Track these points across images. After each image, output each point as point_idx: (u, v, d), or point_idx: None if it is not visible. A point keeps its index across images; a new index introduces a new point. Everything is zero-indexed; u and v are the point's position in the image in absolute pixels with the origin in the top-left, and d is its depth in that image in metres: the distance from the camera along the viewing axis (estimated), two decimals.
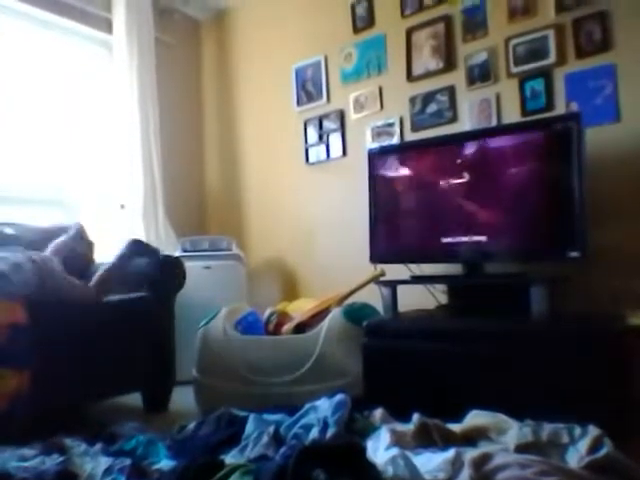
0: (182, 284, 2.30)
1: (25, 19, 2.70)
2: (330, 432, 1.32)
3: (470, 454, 1.09)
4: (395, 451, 1.14)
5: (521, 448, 1.16)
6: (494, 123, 2.35)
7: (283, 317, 2.24)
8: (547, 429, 1.19)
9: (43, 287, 1.84)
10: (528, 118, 2.24)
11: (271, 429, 1.38)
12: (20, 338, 1.65)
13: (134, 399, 2.22)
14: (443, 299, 2.27)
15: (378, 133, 2.71)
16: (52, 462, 1.24)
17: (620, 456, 1.08)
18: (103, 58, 3.04)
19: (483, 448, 1.17)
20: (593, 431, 1.15)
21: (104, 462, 1.25)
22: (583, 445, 1.13)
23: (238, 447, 1.36)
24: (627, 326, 1.66)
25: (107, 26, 2.96)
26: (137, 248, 2.25)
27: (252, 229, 3.28)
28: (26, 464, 1.23)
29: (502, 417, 1.30)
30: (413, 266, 2.26)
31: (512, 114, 2.30)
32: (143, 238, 2.90)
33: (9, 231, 2.32)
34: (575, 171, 1.83)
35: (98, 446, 1.40)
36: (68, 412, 1.65)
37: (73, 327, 1.85)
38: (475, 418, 1.34)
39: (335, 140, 2.88)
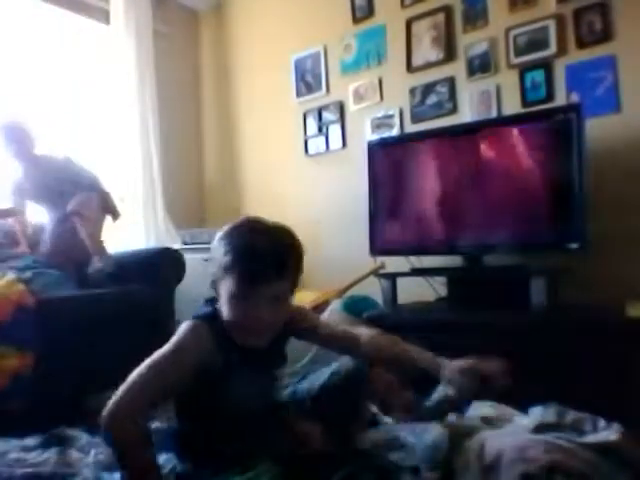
0: (182, 277, 2.30)
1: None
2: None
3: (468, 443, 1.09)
4: None
5: (542, 428, 1.13)
6: (494, 114, 2.34)
7: None
8: (572, 414, 1.16)
9: None
10: (528, 109, 2.23)
11: None
12: (26, 319, 1.69)
13: None
14: (443, 291, 2.27)
15: (378, 125, 2.69)
16: (53, 453, 1.24)
17: (630, 444, 1.05)
18: (100, 50, 3.01)
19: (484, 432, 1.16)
20: (616, 428, 1.12)
21: (106, 454, 1.25)
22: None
23: None
24: (627, 317, 1.66)
25: (104, 17, 2.93)
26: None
27: None
28: (27, 455, 1.24)
29: (504, 408, 1.30)
30: (413, 258, 2.26)
31: (512, 105, 2.29)
32: (143, 231, 2.91)
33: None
34: (575, 162, 1.83)
35: (99, 438, 1.40)
36: (69, 403, 1.65)
37: (75, 315, 1.86)
38: (477, 410, 1.34)
39: (334, 131, 2.86)
